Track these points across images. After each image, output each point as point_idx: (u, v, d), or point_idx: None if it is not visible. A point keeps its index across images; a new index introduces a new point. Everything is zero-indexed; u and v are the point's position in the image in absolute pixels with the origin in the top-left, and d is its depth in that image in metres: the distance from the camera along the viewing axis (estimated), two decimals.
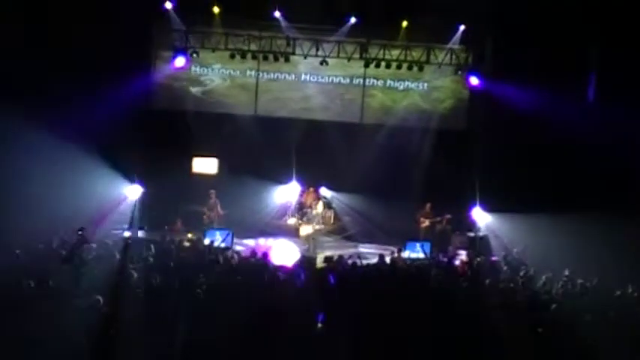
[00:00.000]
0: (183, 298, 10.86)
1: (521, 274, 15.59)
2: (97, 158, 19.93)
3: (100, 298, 10.18)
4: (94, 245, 15.68)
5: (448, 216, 21.88)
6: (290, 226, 22.94)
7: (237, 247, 19.56)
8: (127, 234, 18.84)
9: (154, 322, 9.66)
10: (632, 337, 10.23)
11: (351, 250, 20.68)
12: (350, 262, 16.11)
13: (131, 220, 20.26)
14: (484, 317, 10.89)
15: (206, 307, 10.75)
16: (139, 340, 8.97)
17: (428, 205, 22.08)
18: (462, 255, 18.68)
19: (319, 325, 10.90)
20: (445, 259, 18.09)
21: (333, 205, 23.84)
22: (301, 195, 23.53)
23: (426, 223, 21.93)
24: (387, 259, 17.05)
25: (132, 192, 21.26)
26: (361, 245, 22.40)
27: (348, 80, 24.46)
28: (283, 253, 19.50)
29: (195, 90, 24.43)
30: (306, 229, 21.09)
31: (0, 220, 16.06)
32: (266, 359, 9.16)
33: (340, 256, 16.49)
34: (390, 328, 10.34)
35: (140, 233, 20.46)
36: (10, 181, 18.10)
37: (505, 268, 16.01)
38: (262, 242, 21.62)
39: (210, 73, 24.34)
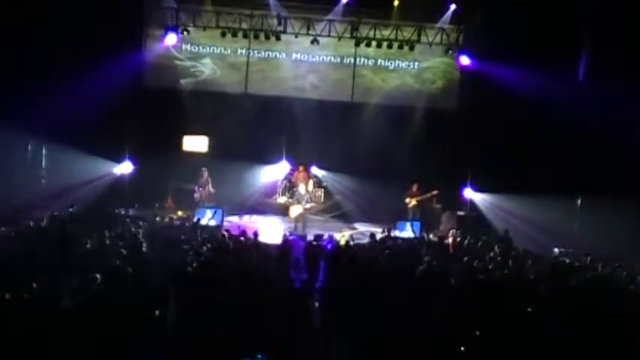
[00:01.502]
0: (173, 276, 10.75)
1: (513, 253, 15.53)
2: (88, 136, 19.78)
3: (98, 276, 10.12)
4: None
5: (435, 192, 21.76)
6: (280, 205, 22.93)
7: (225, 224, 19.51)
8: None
9: (143, 299, 9.56)
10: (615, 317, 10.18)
11: (344, 230, 20.65)
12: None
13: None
14: (474, 297, 10.79)
15: (196, 285, 10.65)
16: (129, 317, 8.84)
17: (415, 186, 21.94)
18: (453, 234, 18.63)
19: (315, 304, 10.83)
20: (435, 239, 18.09)
21: (324, 184, 23.81)
22: (291, 174, 23.47)
23: (413, 202, 21.82)
24: (378, 238, 17.00)
25: (123, 169, 21.22)
26: (352, 224, 22.38)
27: (338, 60, 24.28)
28: (270, 231, 19.53)
29: (185, 69, 24.17)
30: (295, 209, 20.99)
31: None
32: (257, 338, 9.05)
33: (330, 236, 16.49)
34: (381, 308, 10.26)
35: (131, 211, 20.36)
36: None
37: (496, 248, 15.92)
38: (246, 219, 21.63)
39: (200, 53, 24.07)
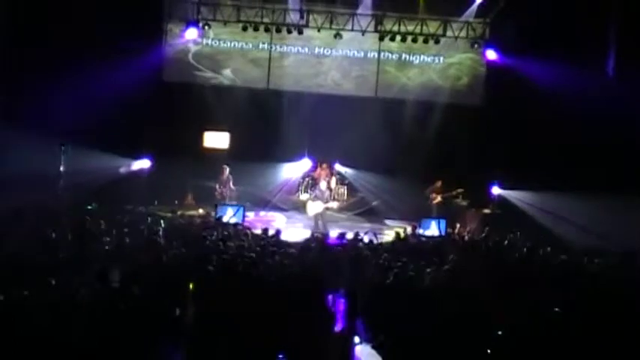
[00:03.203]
0: (194, 274, 10.76)
1: (540, 252, 15.41)
2: (106, 133, 19.86)
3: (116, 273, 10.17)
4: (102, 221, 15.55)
5: (460, 190, 21.63)
6: (301, 202, 22.87)
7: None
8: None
9: (163, 297, 9.58)
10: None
11: (366, 227, 20.56)
12: (366, 239, 16.07)
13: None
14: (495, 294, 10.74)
15: (217, 283, 10.65)
16: (148, 316, 8.88)
17: (439, 183, 21.82)
18: (478, 232, 18.51)
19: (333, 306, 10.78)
20: (460, 237, 17.98)
21: (347, 181, 23.75)
22: (314, 170, 23.42)
23: (438, 198, 21.70)
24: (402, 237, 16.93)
25: (141, 166, 21.29)
26: (375, 222, 22.32)
27: (362, 54, 24.18)
28: (291, 229, 19.51)
29: (205, 80, 24.17)
30: (313, 207, 20.80)
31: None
32: (277, 338, 9.04)
33: (356, 233, 16.39)
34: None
35: (150, 208, 20.40)
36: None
37: (527, 244, 15.84)
38: (262, 214, 21.63)
39: (221, 50, 24.06)
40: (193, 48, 23.90)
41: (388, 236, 18.75)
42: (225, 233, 15.37)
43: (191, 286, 10.28)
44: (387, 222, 22.33)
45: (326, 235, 17.54)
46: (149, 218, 17.04)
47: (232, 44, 24.04)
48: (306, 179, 23.59)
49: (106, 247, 13.08)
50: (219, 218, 18.07)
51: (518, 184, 21.40)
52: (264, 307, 9.33)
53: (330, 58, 24.24)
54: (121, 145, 20.94)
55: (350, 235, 16.26)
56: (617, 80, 21.31)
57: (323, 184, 21.24)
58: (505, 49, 22.47)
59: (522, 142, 21.63)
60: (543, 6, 20.67)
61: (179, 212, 19.06)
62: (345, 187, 23.77)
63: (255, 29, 22.72)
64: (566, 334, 9.25)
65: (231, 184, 21.45)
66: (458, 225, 20.53)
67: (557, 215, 20.03)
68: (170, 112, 22.47)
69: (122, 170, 21.47)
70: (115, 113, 20.22)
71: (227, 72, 24.17)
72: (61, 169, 18.94)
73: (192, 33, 22.91)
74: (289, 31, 22.79)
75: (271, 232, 16.09)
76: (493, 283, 11.55)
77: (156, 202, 21.26)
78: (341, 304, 10.85)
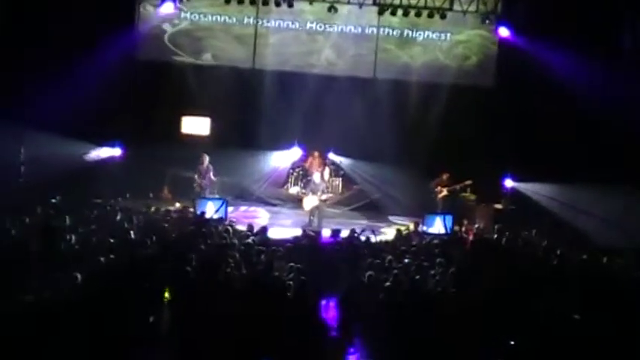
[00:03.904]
0: (170, 276, 10.77)
1: (558, 252, 15.44)
2: (74, 116, 19.82)
3: (78, 275, 10.16)
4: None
5: (468, 182, 21.64)
6: (292, 196, 22.90)
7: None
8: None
9: (135, 302, 9.58)
10: None
11: (363, 223, 20.56)
12: (363, 237, 16.08)
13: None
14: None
15: (196, 285, 10.67)
16: (118, 323, 8.89)
17: (446, 175, 21.79)
18: (488, 230, 18.56)
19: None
20: (468, 235, 17.99)
21: (342, 172, 23.73)
22: (305, 160, 23.41)
23: (444, 192, 21.68)
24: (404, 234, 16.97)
25: (112, 154, 21.27)
26: (374, 218, 22.35)
27: (359, 30, 24.01)
28: (279, 225, 19.52)
29: (183, 45, 24.05)
30: (310, 201, 20.80)
31: None
32: (262, 345, 9.06)
33: (352, 230, 16.41)
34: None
35: (122, 202, 20.36)
36: None
37: (544, 243, 15.90)
38: (243, 209, 21.63)
39: (201, 25, 23.92)
40: (170, 29, 23.74)
41: (388, 234, 18.75)
42: (205, 230, 15.36)
43: (167, 291, 10.28)
44: (387, 218, 22.29)
45: (319, 233, 17.54)
46: (120, 213, 17.01)
47: (214, 18, 23.83)
48: (296, 170, 23.58)
49: (71, 245, 13.03)
50: (202, 214, 18.05)
51: (534, 175, 21.35)
52: (247, 313, 9.36)
53: (324, 35, 24.08)
54: (90, 131, 20.91)
55: (345, 233, 16.28)
56: (634, 65, 21.34)
57: (316, 176, 21.21)
58: (519, 26, 22.39)
59: (538, 129, 21.57)
60: None
61: (154, 207, 19.01)
62: (340, 179, 23.74)
63: (240, 2, 22.57)
64: (586, 344, 9.27)
65: (211, 174, 21.34)
66: (466, 222, 20.51)
67: (576, 209, 20.06)
68: (144, 95, 22.44)
69: (89, 158, 21.40)
70: (83, 96, 20.14)
71: (207, 53, 24.02)
72: (22, 157, 18.92)
73: (168, 7, 22.79)
74: (277, 4, 22.63)
75: (257, 229, 16.09)
76: (505, 288, 11.60)
77: (128, 195, 21.20)
78: (335, 310, 10.87)
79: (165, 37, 23.78)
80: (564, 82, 20.69)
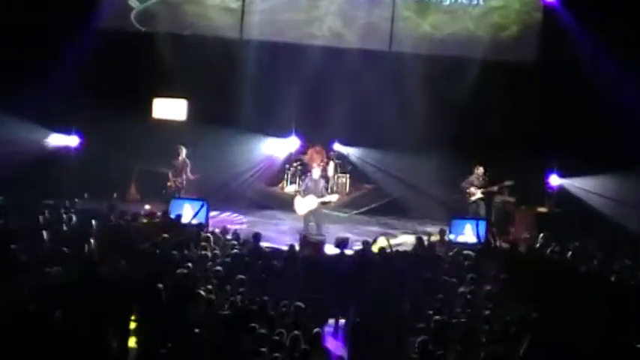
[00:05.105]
0: (137, 295, 10.71)
1: (617, 267, 15.38)
2: (22, 97, 19.79)
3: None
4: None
5: (508, 183, 21.47)
6: (288, 196, 22.70)
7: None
8: None
9: (95, 324, 9.53)
10: None
11: (375, 231, 20.47)
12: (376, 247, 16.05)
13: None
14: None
15: (169, 307, 10.62)
16: (74, 349, 8.87)
17: (480, 169, 21.60)
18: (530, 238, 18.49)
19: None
20: (506, 245, 17.90)
21: (349, 168, 23.66)
22: (304, 152, 23.34)
23: (478, 194, 21.55)
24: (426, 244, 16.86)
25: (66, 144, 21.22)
26: (388, 224, 22.31)
27: None
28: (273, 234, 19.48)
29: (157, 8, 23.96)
30: (304, 203, 20.58)
31: None
32: None
33: (365, 242, 16.31)
34: None
35: (79, 203, 20.28)
36: None
37: (599, 255, 15.87)
38: (224, 216, 21.55)
39: None
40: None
41: (405, 245, 18.65)
42: (182, 238, 15.27)
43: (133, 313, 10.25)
44: (404, 223, 22.21)
45: (321, 243, 17.44)
46: (75, 217, 16.89)
47: None
48: (294, 165, 23.54)
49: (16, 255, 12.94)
50: (178, 218, 17.92)
51: (585, 170, 21.33)
52: (233, 341, 9.35)
53: (328, 0, 24.03)
54: (41, 116, 20.80)
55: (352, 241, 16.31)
56: None
57: (316, 172, 21.02)
58: None
59: (589, 114, 21.46)
60: None
61: (118, 209, 18.90)
62: (347, 176, 23.68)
63: None
64: None
65: (188, 170, 21.28)
66: (503, 229, 20.43)
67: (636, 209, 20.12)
68: (107, 72, 22.24)
69: (40, 147, 21.34)
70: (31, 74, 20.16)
71: (185, 20, 23.91)
72: None
73: None
74: None
75: (245, 237, 16.04)
76: (551, 309, 11.53)
77: (86, 195, 21.07)
78: (342, 336, 10.89)
79: (132, 16, 23.72)
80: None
